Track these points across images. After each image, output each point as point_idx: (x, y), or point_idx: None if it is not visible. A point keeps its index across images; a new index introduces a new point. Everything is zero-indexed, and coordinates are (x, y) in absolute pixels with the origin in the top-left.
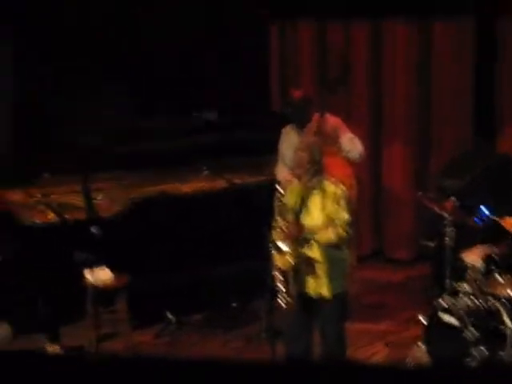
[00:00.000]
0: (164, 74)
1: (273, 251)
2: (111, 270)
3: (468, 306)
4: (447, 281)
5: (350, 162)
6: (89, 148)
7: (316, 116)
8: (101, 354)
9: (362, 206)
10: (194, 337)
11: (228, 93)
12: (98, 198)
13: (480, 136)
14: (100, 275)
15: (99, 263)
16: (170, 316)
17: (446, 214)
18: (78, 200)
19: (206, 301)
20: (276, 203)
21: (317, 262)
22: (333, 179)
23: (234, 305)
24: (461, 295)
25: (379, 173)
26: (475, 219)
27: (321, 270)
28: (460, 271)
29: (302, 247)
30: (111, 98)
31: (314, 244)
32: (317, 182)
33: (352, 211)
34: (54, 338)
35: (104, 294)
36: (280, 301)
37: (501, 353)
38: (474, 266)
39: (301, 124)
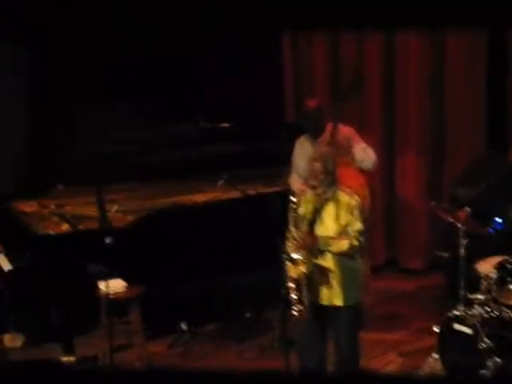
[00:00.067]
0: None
1: (287, 261)
2: (125, 281)
3: (482, 316)
4: (461, 291)
5: (363, 172)
6: (103, 159)
7: (329, 126)
8: (114, 365)
9: (375, 216)
10: (208, 347)
11: (242, 102)
12: (113, 209)
13: (493, 149)
14: (113, 286)
15: (113, 274)
16: (183, 326)
17: (459, 224)
18: (91, 211)
19: (219, 311)
20: (290, 214)
21: (330, 271)
22: (347, 189)
23: (248, 315)
24: (475, 305)
25: (393, 183)
26: (489, 229)
27: (334, 279)
28: (474, 281)
29: (316, 257)
30: (122, 108)
31: (328, 254)
32: (331, 192)
33: (365, 221)
34: (69, 349)
35: (117, 305)
36: (293, 311)
37: None
38: (487, 276)
39: (315, 134)
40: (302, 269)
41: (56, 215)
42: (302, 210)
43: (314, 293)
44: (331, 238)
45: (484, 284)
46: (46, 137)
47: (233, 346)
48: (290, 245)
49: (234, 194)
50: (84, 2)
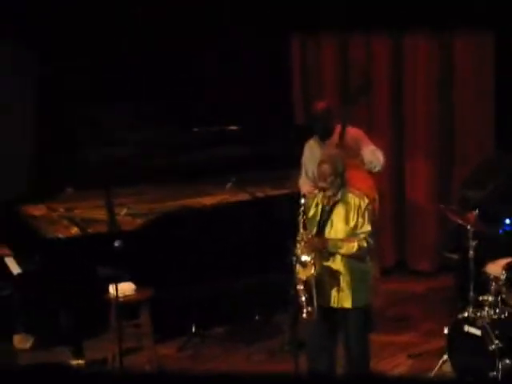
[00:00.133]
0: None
1: (296, 264)
2: (134, 284)
3: (492, 317)
4: (470, 293)
5: (372, 174)
6: (112, 162)
7: (338, 128)
8: (124, 368)
9: (385, 218)
10: (217, 350)
11: (247, 103)
12: (122, 212)
13: (502, 149)
14: (123, 289)
15: (122, 277)
16: (193, 329)
17: (468, 226)
18: (101, 214)
19: (228, 314)
20: (299, 216)
21: (340, 273)
22: (356, 191)
23: (257, 318)
24: (484, 307)
25: (402, 185)
26: (499, 231)
27: (344, 282)
28: (483, 283)
29: (326, 260)
30: (126, 109)
31: (337, 256)
32: (340, 194)
33: (374, 223)
34: (79, 352)
35: (127, 308)
36: (303, 313)
37: None
38: (496, 278)
39: (324, 136)
40: (312, 271)
41: (65, 218)
42: (311, 212)
43: (324, 295)
44: (340, 240)
45: (493, 285)
46: (53, 140)
47: (242, 349)
48: (299, 247)
49: (243, 197)
50: (84, 2)
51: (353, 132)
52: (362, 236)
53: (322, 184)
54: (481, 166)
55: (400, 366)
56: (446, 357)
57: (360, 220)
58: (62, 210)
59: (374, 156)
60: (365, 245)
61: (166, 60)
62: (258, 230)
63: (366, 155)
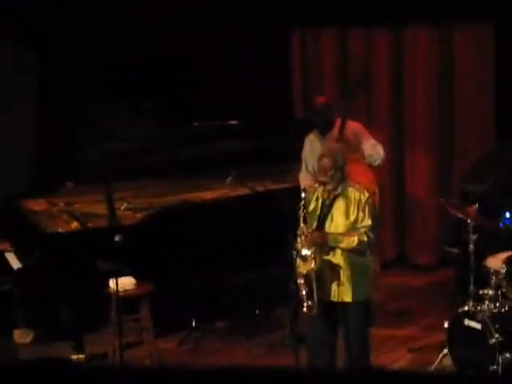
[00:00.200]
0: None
1: (296, 258)
2: (134, 278)
3: (492, 311)
4: (471, 287)
5: (372, 168)
6: (112, 156)
7: (338, 122)
8: (124, 362)
9: (385, 212)
10: (218, 344)
11: (247, 99)
12: (122, 207)
13: (502, 143)
14: (123, 283)
15: (122, 271)
16: (194, 323)
17: (468, 220)
18: (101, 209)
19: (228, 308)
20: (300, 210)
21: (340, 268)
22: (357, 186)
23: (257, 312)
24: (485, 301)
25: (402, 179)
26: (499, 225)
27: (344, 276)
28: (484, 277)
29: (326, 254)
30: (125, 107)
31: (338, 250)
32: (340, 188)
33: (375, 217)
34: (79, 347)
35: (127, 302)
36: (303, 307)
37: None
38: (497, 272)
39: (324, 130)
40: (312, 265)
41: (65, 213)
42: (311, 207)
43: (324, 289)
44: (341, 234)
45: (493, 279)
46: (53, 140)
47: (242, 343)
48: (299, 241)
49: (243, 191)
50: (84, 2)
51: (353, 126)
52: (363, 230)
53: (322, 178)
54: (481, 159)
55: (400, 359)
56: (446, 351)
57: (360, 214)
58: (62, 204)
59: (374, 150)
60: (365, 239)
61: (165, 60)
62: (258, 225)
63: (366, 149)
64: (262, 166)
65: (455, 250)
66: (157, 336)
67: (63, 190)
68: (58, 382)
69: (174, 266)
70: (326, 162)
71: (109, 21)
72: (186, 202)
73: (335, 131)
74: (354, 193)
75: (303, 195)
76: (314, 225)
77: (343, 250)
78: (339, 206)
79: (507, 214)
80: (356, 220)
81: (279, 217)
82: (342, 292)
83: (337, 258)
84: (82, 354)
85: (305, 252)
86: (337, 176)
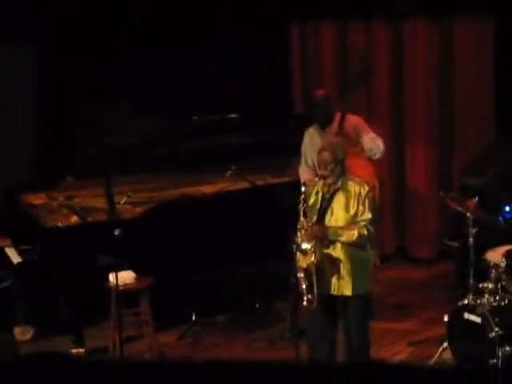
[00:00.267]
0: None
1: (296, 252)
2: (134, 272)
3: (492, 305)
4: (470, 280)
5: (372, 162)
6: (112, 151)
7: (338, 116)
8: (124, 356)
9: (385, 206)
10: (217, 338)
11: (252, 100)
12: (121, 201)
13: (502, 136)
14: (123, 277)
15: (122, 265)
16: (194, 317)
17: (468, 213)
18: (100, 203)
19: (228, 302)
20: (300, 204)
21: (340, 261)
22: (357, 179)
23: (258, 306)
24: (484, 294)
25: (402, 173)
26: (499, 218)
27: (344, 269)
28: (483, 270)
29: (326, 247)
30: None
31: (338, 244)
32: (340, 182)
33: (375, 211)
34: (79, 341)
35: (127, 296)
36: (303, 301)
37: None
38: (496, 265)
39: (323, 124)
40: (312, 259)
41: (65, 207)
42: (311, 200)
43: (324, 283)
44: (341, 227)
45: (493, 273)
46: (53, 139)
47: (242, 337)
48: (299, 235)
49: (243, 185)
50: (84, 2)
51: (352, 120)
52: (363, 224)
53: (322, 172)
54: (481, 153)
55: (400, 353)
56: (445, 344)
57: (360, 208)
58: (61, 198)
59: (373, 143)
60: (365, 232)
61: (165, 60)
62: (258, 218)
63: (365, 143)
64: (262, 159)
65: (455, 244)
66: (157, 330)
67: (63, 184)
68: (58, 376)
69: (173, 259)
70: (326, 155)
71: (109, 21)
72: (186, 196)
73: (335, 125)
74: (353, 186)
75: (303, 189)
76: (314, 218)
77: (343, 243)
78: (339, 200)
79: (507, 208)
80: (356, 214)
81: (279, 211)
82: (342, 285)
83: (337, 251)
84: (82, 348)
85: (305, 246)
86: (337, 170)
